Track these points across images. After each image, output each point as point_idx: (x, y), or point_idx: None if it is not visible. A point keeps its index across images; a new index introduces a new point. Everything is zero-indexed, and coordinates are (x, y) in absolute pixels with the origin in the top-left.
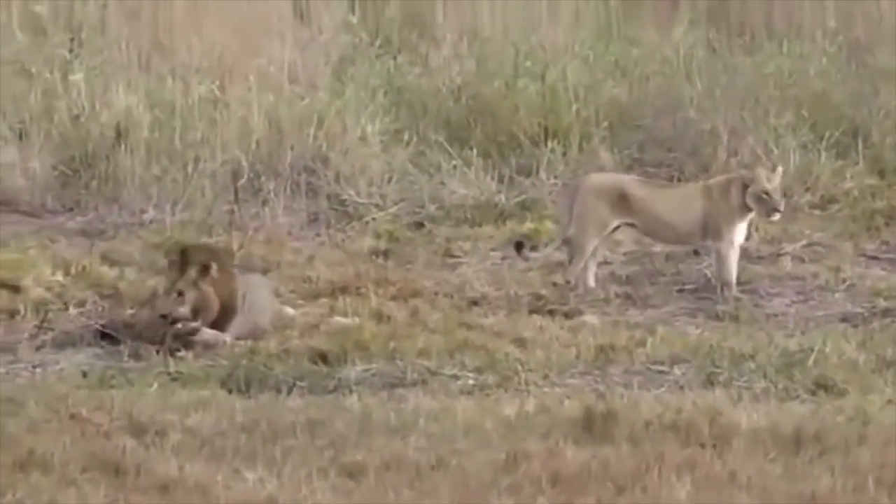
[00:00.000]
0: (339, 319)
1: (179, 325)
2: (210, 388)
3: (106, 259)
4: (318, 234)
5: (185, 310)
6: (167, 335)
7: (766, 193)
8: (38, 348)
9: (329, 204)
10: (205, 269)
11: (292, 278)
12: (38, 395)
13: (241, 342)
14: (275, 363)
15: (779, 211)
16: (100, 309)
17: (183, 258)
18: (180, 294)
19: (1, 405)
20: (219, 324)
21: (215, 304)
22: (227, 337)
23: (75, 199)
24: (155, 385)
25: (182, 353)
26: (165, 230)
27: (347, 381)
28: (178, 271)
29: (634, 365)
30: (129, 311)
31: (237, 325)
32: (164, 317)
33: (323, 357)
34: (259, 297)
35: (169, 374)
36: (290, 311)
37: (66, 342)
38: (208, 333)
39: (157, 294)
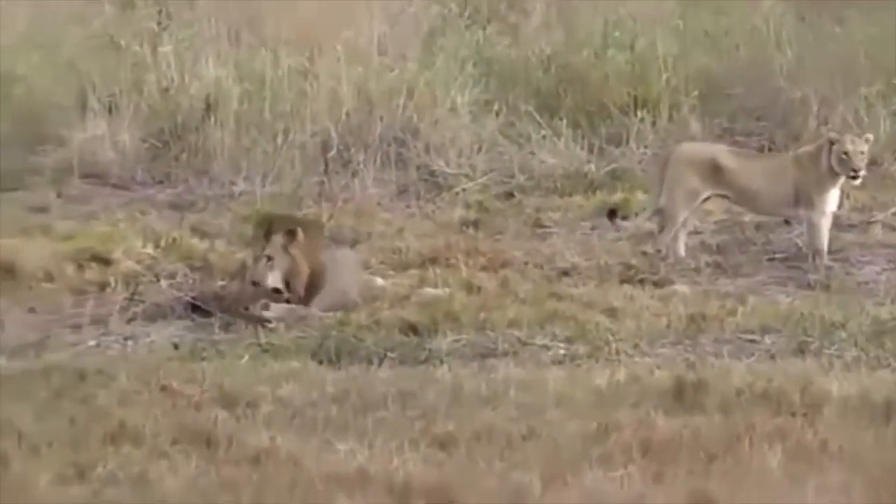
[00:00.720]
0: (429, 290)
1: (267, 297)
2: (301, 359)
3: (196, 231)
4: (407, 206)
5: (275, 276)
6: (254, 302)
7: (846, 154)
8: (128, 321)
9: (419, 175)
10: (291, 235)
11: (382, 249)
12: (129, 367)
13: (331, 314)
14: (365, 334)
15: (858, 172)
16: (190, 281)
17: (269, 226)
18: (269, 259)
19: (92, 377)
20: (305, 295)
21: (304, 272)
22: (314, 309)
23: (165, 172)
24: (246, 357)
25: (272, 325)
26: (255, 202)
27: (438, 351)
28: (265, 239)
29: (725, 334)
30: (220, 283)
31: (324, 297)
32: (255, 284)
33: (413, 328)
34: (347, 270)
35: (259, 345)
36: (379, 281)
37: (156, 314)
38: (291, 308)
39: (246, 265)
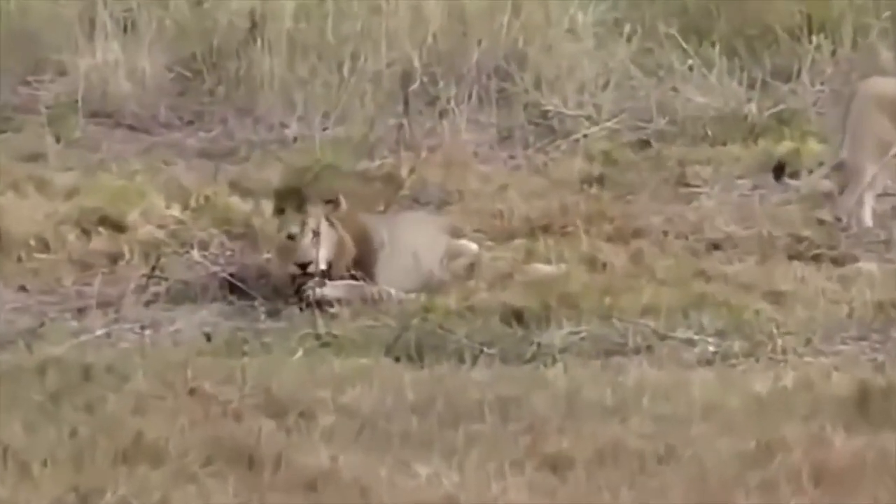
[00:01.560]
0: (539, 267)
1: (314, 281)
2: (371, 355)
3: (236, 188)
4: (511, 156)
5: (323, 254)
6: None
7: None
8: (147, 304)
9: (527, 116)
10: (335, 204)
11: (478, 213)
12: (148, 364)
13: (412, 296)
14: (455, 324)
15: None
16: (228, 253)
17: (300, 196)
18: (316, 235)
19: (100, 377)
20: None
21: (350, 250)
22: (392, 290)
23: (196, 110)
24: (300, 352)
25: (334, 310)
26: (313, 150)
27: (550, 347)
28: (298, 211)
29: None
30: (266, 256)
31: (387, 274)
32: (303, 267)
33: (518, 316)
34: (420, 239)
35: (318, 337)
36: (472, 247)
37: (183, 296)
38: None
39: (293, 241)
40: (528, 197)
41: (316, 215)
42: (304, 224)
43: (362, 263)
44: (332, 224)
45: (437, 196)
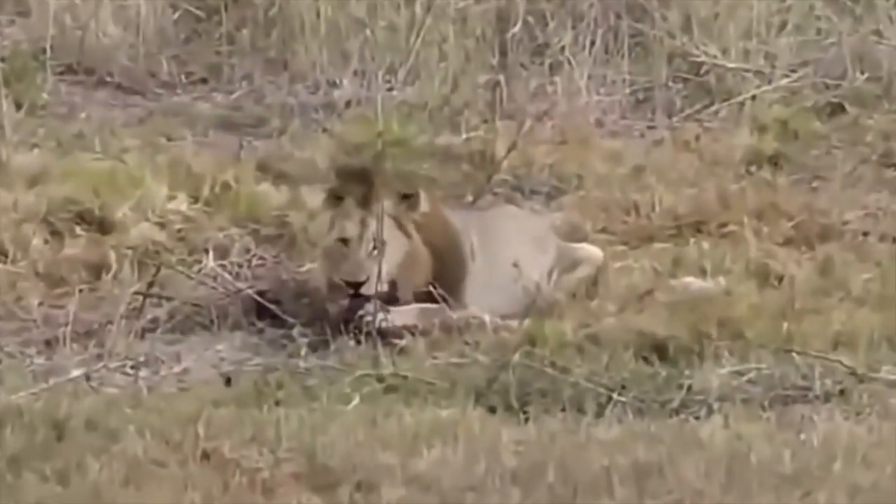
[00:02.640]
0: (689, 281)
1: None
2: (456, 404)
3: (266, 171)
4: (650, 125)
5: (387, 270)
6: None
7: None
8: (143, 333)
9: (671, 71)
10: (410, 201)
11: (603, 206)
12: (144, 416)
13: (512, 322)
14: (572, 360)
15: None
16: (255, 263)
17: (368, 186)
18: (377, 244)
19: (77, 435)
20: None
21: (425, 263)
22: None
23: (211, 63)
24: (355, 399)
25: (404, 341)
26: (373, 119)
27: (705, 392)
28: (361, 207)
29: None
30: (309, 267)
31: (478, 292)
32: (354, 287)
33: (660, 349)
34: (530, 244)
35: (381, 379)
36: (595, 253)
37: (193, 322)
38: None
39: (348, 241)
40: (674, 183)
41: (379, 215)
42: (362, 225)
43: (444, 278)
44: (401, 227)
45: (546, 183)
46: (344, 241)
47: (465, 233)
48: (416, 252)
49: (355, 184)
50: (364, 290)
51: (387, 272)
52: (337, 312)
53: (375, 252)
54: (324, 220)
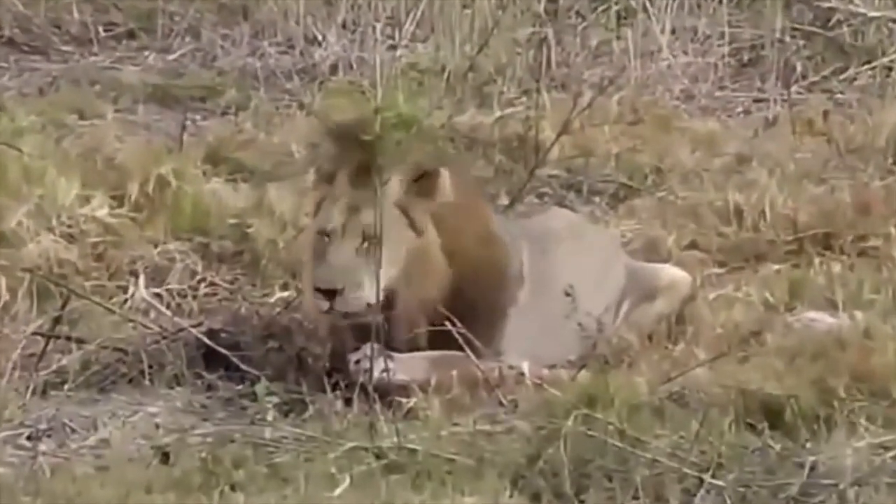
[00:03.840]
0: (814, 318)
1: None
2: (485, 488)
3: (218, 162)
4: (759, 98)
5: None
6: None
7: None
8: (43, 389)
9: (787, 20)
10: (427, 182)
11: (693, 212)
12: None
13: (561, 372)
14: (648, 428)
15: None
16: (203, 290)
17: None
18: (367, 241)
19: None
20: (465, 327)
21: (441, 271)
22: (521, 363)
23: (138, 11)
24: (345, 482)
25: (411, 401)
26: (368, 89)
27: (835, 472)
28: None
29: None
30: (278, 296)
31: (519, 331)
32: (328, 295)
33: (772, 414)
34: (587, 264)
35: (380, 454)
36: (681, 277)
37: (114, 375)
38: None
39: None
40: (793, 180)
41: (377, 197)
42: (350, 212)
43: (474, 308)
44: (409, 219)
45: (612, 179)
46: (326, 234)
47: (513, 246)
48: (426, 255)
49: (354, 152)
50: (338, 305)
51: (383, 279)
52: (317, 359)
53: (367, 249)
54: (302, 229)
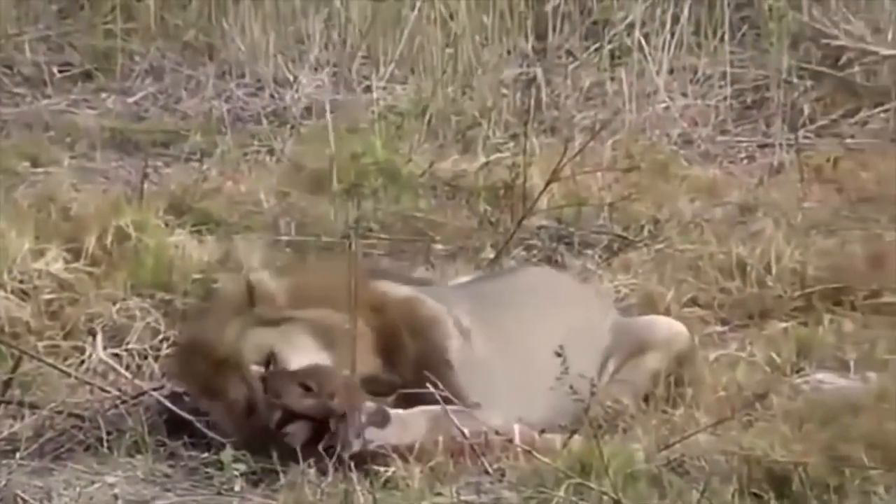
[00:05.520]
0: (823, 380)
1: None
2: None
3: (182, 213)
4: (763, 143)
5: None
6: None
7: None
8: None
9: (795, 58)
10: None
11: (692, 265)
12: None
13: (549, 437)
14: (644, 498)
15: None
16: (166, 350)
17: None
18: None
19: None
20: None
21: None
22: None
23: (96, 49)
24: None
25: (388, 469)
26: (343, 134)
27: None
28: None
29: None
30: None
31: (496, 390)
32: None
33: (780, 483)
34: (578, 321)
35: None
36: (678, 331)
37: (70, 442)
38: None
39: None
40: (800, 232)
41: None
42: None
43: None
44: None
45: (603, 231)
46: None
47: (441, 300)
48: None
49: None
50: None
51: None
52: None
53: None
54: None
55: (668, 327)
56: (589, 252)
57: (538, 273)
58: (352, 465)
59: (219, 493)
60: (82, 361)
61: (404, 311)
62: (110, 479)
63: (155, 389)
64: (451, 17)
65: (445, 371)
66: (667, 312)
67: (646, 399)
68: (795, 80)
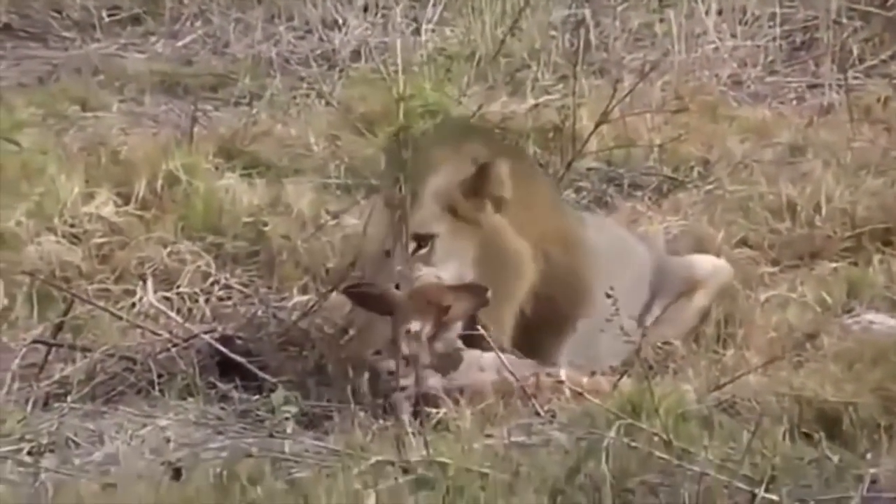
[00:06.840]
0: (874, 319)
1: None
2: (522, 503)
3: (231, 156)
4: (813, 83)
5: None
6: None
7: None
8: (45, 401)
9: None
10: (484, 175)
11: (742, 206)
12: None
13: (600, 378)
14: (696, 440)
15: None
16: (217, 294)
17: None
18: (422, 242)
19: None
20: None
21: (526, 272)
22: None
23: None
24: (370, 498)
25: (440, 411)
26: (391, 77)
27: None
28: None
29: None
30: (297, 300)
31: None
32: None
33: (830, 423)
34: (625, 263)
35: (408, 468)
36: (721, 267)
37: (122, 386)
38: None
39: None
40: (850, 172)
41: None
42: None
43: (547, 317)
44: (473, 217)
45: (653, 172)
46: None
47: (593, 250)
48: (498, 253)
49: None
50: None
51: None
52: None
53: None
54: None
55: (711, 264)
56: (638, 194)
57: (601, 219)
58: (405, 406)
59: (270, 436)
60: (133, 305)
61: (576, 263)
62: (162, 422)
63: (206, 332)
64: None
65: (569, 332)
66: (717, 253)
67: (696, 340)
68: (845, 20)
